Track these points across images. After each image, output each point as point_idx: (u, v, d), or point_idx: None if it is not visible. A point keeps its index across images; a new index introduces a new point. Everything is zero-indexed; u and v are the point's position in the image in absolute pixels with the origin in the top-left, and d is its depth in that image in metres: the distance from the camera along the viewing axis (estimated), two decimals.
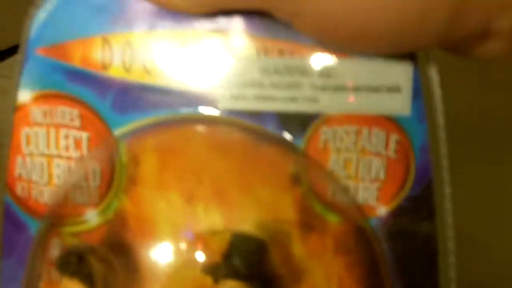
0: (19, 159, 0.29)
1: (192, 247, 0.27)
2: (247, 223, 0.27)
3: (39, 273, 0.28)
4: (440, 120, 0.27)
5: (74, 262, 0.26)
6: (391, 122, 0.27)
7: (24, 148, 0.29)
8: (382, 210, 0.27)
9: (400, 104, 0.27)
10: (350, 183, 0.27)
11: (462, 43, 0.24)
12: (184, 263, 0.27)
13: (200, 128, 0.28)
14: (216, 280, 0.26)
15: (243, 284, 0.26)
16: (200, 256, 0.27)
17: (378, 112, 0.27)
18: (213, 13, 0.26)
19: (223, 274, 0.26)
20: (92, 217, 0.28)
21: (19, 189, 0.29)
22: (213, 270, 0.26)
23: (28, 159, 0.29)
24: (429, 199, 0.27)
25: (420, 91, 0.26)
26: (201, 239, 0.27)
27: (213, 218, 0.28)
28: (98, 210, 0.28)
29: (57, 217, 0.28)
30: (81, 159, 0.29)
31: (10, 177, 0.29)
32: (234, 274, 0.26)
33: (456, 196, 0.27)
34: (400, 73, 0.26)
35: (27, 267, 0.28)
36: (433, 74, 0.26)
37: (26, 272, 0.29)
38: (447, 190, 0.27)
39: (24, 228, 0.30)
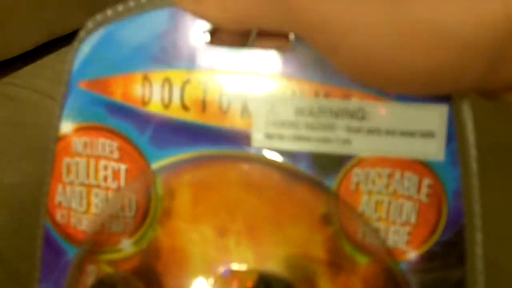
0: (59, 187, 0.30)
1: (223, 283, 0.28)
2: (276, 260, 0.28)
3: None
4: (473, 165, 0.27)
5: None
6: (424, 166, 0.27)
7: (65, 177, 0.30)
8: (412, 255, 0.27)
9: (434, 149, 0.27)
10: (381, 226, 0.27)
11: (497, 90, 0.24)
12: None
13: (235, 165, 0.28)
14: None
15: None
16: None
17: (411, 156, 0.27)
18: (244, 33, 0.27)
19: None
20: (127, 246, 0.29)
21: (59, 216, 0.30)
22: None
23: (68, 188, 0.30)
24: (460, 244, 0.27)
25: (454, 136, 0.26)
26: (235, 276, 0.28)
27: (244, 254, 0.28)
28: (133, 239, 0.29)
29: (94, 244, 0.29)
30: (118, 190, 0.29)
31: (51, 204, 0.30)
32: None
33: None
34: (435, 118, 0.26)
35: None
36: (467, 119, 0.26)
37: None
38: (479, 236, 0.27)
39: (63, 253, 0.30)
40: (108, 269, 0.29)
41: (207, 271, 0.28)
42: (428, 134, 0.27)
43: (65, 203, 0.30)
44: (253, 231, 0.28)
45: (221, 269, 0.28)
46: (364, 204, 0.27)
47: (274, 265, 0.28)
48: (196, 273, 0.28)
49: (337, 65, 0.25)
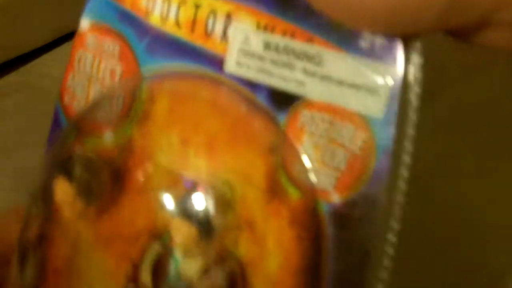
0: (71, 74, 0.35)
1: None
2: (223, 176, 0.31)
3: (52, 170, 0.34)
4: (410, 130, 0.28)
5: (69, 164, 0.31)
6: (363, 120, 0.28)
7: (76, 66, 0.35)
8: (336, 198, 0.29)
9: (374, 106, 0.28)
10: (315, 166, 0.29)
11: (462, 30, 0.25)
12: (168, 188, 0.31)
13: (208, 85, 0.32)
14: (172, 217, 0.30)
15: (191, 226, 0.29)
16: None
17: (353, 108, 0.28)
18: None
19: (179, 213, 0.30)
20: (108, 137, 0.33)
21: (66, 98, 0.35)
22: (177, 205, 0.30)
23: (76, 76, 0.35)
24: (379, 202, 0.28)
25: (397, 97, 0.28)
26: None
27: (199, 164, 0.31)
28: (114, 133, 0.33)
29: (80, 127, 0.34)
30: (112, 86, 0.34)
31: (62, 87, 0.35)
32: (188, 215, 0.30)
33: None
34: (382, 77, 0.28)
35: (46, 161, 0.34)
36: (414, 81, 0.27)
37: (44, 166, 0.34)
38: (400, 198, 0.28)
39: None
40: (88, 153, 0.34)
41: (172, 178, 0.32)
42: (372, 91, 0.28)
43: (72, 88, 0.35)
44: (210, 146, 0.31)
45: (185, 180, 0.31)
46: (305, 143, 0.29)
47: (220, 180, 0.31)
48: (161, 176, 0.32)
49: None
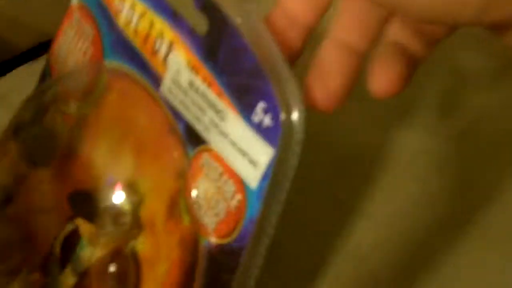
0: (59, 39, 0.39)
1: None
2: (141, 181, 0.34)
3: None
4: (272, 218, 0.30)
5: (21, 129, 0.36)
6: (242, 184, 0.30)
7: (63, 35, 0.38)
8: (212, 239, 0.32)
9: (252, 177, 0.30)
10: (204, 205, 0.32)
11: (499, 26, 0.26)
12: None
13: (147, 98, 0.34)
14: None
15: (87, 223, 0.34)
16: None
17: (237, 171, 0.30)
18: None
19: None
20: (72, 107, 0.37)
21: (52, 58, 0.39)
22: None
23: (62, 43, 0.38)
24: (241, 259, 0.31)
25: (269, 177, 0.29)
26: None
27: (125, 165, 0.35)
28: (78, 104, 0.37)
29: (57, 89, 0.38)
30: (83, 63, 0.37)
31: (52, 48, 0.39)
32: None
33: None
34: (263, 154, 0.29)
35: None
36: (283, 175, 0.29)
37: None
38: (259, 261, 0.30)
39: None
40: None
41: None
42: (253, 162, 0.30)
43: (57, 52, 0.39)
44: (138, 153, 0.35)
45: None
46: (199, 182, 0.32)
47: (136, 184, 0.34)
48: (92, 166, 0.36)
49: None
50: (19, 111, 0.39)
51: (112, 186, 0.35)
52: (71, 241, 0.35)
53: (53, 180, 0.36)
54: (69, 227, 0.35)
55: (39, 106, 0.38)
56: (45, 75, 0.40)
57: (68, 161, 0.37)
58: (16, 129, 0.37)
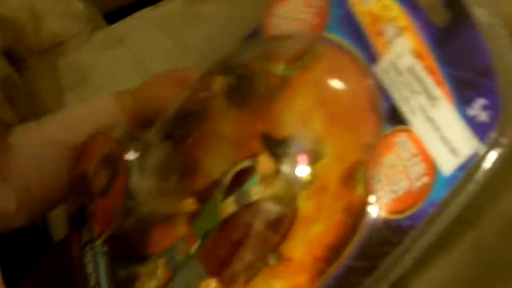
0: (279, 6, 0.42)
1: None
2: (325, 144, 0.36)
3: None
4: (454, 208, 0.31)
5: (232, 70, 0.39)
6: (433, 169, 0.32)
7: (287, 2, 0.42)
8: (381, 213, 0.33)
9: (448, 165, 0.31)
10: (384, 179, 0.34)
11: None
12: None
13: (356, 71, 0.37)
14: None
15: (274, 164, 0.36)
16: None
17: (433, 155, 0.32)
18: None
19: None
20: (279, 68, 0.40)
21: (268, 22, 0.42)
22: None
23: (281, 10, 0.42)
24: (405, 239, 0.32)
25: (466, 168, 0.31)
26: None
27: (313, 127, 0.37)
28: (285, 66, 0.40)
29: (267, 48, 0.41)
30: (301, 30, 0.40)
31: (267, 12, 0.42)
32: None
33: None
34: (467, 148, 0.31)
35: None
36: (488, 167, 0.30)
37: None
38: (422, 243, 0.32)
39: None
40: None
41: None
42: (453, 151, 0.31)
43: (275, 17, 0.42)
44: (329, 119, 0.37)
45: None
46: (387, 158, 0.34)
47: (320, 146, 0.37)
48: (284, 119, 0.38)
49: None
50: (231, 54, 0.42)
51: (296, 145, 0.37)
52: (244, 176, 0.38)
53: (244, 120, 0.39)
54: (247, 163, 0.38)
55: (250, 56, 0.41)
56: (255, 31, 0.43)
57: (260, 111, 0.39)
58: (226, 67, 0.40)
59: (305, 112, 0.38)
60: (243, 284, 0.36)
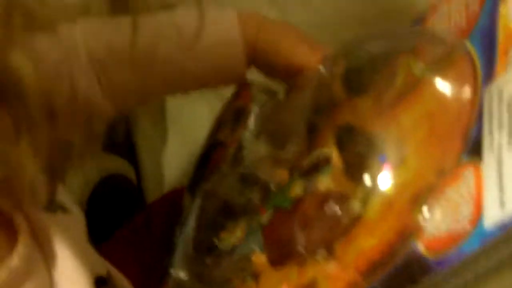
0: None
1: None
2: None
3: None
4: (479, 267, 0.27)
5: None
6: (478, 217, 0.27)
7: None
8: (420, 245, 0.30)
9: (491, 214, 0.27)
10: (436, 211, 0.30)
11: None
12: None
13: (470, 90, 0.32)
14: None
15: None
16: None
17: (484, 201, 0.27)
18: None
19: None
20: (419, 68, 0.36)
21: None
22: None
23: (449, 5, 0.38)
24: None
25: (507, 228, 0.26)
26: None
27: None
28: (424, 66, 0.36)
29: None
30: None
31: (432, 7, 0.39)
32: None
33: None
34: None
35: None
36: None
37: None
38: None
39: None
40: None
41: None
42: (503, 203, 0.26)
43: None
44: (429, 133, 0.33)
45: None
46: (451, 189, 0.30)
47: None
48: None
49: None
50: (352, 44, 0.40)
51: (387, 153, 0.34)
52: (319, 163, 0.36)
53: (351, 107, 0.37)
54: (326, 150, 0.36)
55: (392, 47, 0.39)
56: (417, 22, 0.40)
57: (380, 105, 0.36)
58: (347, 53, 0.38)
59: (416, 121, 0.34)
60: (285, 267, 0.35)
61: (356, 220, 0.34)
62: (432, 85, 0.35)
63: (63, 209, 0.35)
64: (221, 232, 0.41)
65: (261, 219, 0.38)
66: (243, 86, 0.45)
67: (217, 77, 0.43)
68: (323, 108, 0.38)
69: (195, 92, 0.46)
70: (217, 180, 0.42)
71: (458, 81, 0.34)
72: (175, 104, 0.63)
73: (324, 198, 0.35)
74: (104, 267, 0.37)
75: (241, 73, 0.43)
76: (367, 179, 0.34)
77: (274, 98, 0.42)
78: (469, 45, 0.34)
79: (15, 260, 0.30)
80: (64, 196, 0.36)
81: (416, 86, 0.35)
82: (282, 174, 0.39)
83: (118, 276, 0.38)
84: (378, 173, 0.33)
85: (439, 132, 0.33)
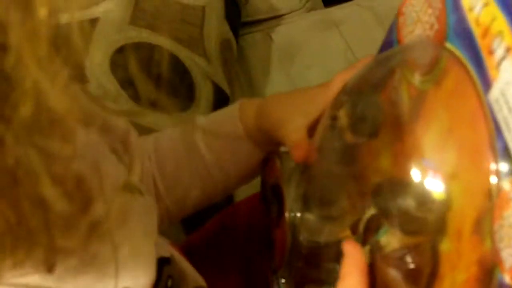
0: (407, 3, 0.36)
1: None
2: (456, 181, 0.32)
3: None
4: None
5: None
6: None
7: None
8: (506, 278, 0.29)
9: None
10: (506, 238, 0.29)
11: None
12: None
13: (474, 97, 0.31)
14: None
15: None
16: None
17: None
18: None
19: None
20: (417, 78, 0.35)
21: (400, 20, 0.37)
22: None
23: (409, 8, 0.36)
24: None
25: None
26: None
27: (447, 156, 0.32)
28: (421, 78, 0.35)
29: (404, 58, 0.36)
30: (426, 37, 0.35)
31: (399, 10, 0.37)
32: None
33: None
34: None
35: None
36: None
37: None
38: None
39: None
40: None
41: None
42: None
43: (405, 15, 0.37)
44: (463, 149, 0.32)
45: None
46: (507, 213, 0.28)
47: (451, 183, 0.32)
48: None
49: None
50: (361, 73, 0.38)
51: (432, 174, 0.32)
52: (376, 222, 0.35)
53: (375, 150, 0.36)
54: (373, 211, 0.35)
55: (387, 69, 0.37)
56: (392, 31, 0.38)
57: (394, 136, 0.35)
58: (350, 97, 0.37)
59: (439, 139, 0.33)
60: None
61: (433, 264, 0.33)
62: (438, 95, 0.33)
63: (140, 191, 0.38)
64: None
65: None
66: (267, 160, 0.46)
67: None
68: (349, 161, 0.38)
69: None
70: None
71: (458, 90, 0.32)
72: None
73: (392, 257, 0.34)
74: (168, 251, 0.41)
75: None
76: (424, 218, 0.33)
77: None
78: (452, 48, 0.32)
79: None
80: (141, 184, 0.40)
81: (423, 99, 0.34)
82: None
83: (181, 259, 0.43)
84: (432, 207, 0.32)
85: (467, 145, 0.31)
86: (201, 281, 0.43)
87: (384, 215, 0.34)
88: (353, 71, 0.40)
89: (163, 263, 0.39)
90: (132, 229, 0.35)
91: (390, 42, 0.38)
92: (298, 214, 0.41)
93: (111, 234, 0.33)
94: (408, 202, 0.33)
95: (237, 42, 0.69)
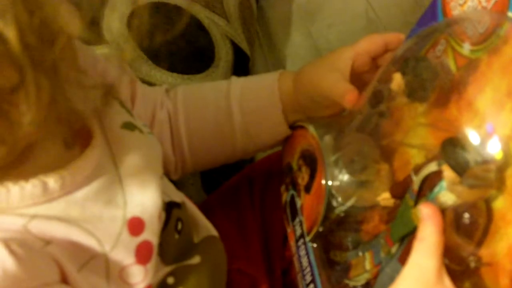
0: None
1: None
2: None
3: None
4: None
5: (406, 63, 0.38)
6: None
7: None
8: None
9: None
10: None
11: None
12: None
13: None
14: None
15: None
16: None
17: None
18: None
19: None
20: (466, 48, 0.36)
21: None
22: None
23: None
24: None
25: None
26: None
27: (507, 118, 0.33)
28: (472, 47, 0.35)
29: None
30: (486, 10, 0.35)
31: None
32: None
33: None
34: None
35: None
36: None
37: None
38: None
39: None
40: None
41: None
42: None
43: None
44: None
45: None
46: None
47: None
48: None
49: None
50: (409, 44, 0.39)
51: (489, 136, 0.33)
52: (432, 181, 0.35)
53: (426, 117, 0.36)
54: (433, 167, 0.35)
55: (431, 40, 0.38)
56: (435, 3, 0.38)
57: (446, 100, 0.36)
58: (405, 60, 0.37)
59: (496, 103, 0.34)
60: None
61: (487, 221, 0.34)
62: (493, 62, 0.34)
63: (140, 130, 0.39)
64: (350, 272, 0.41)
65: (391, 249, 0.38)
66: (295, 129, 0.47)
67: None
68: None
69: None
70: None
71: None
72: None
73: (449, 213, 0.34)
74: (180, 197, 0.42)
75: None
76: (481, 178, 0.33)
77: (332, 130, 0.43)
78: None
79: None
80: (143, 125, 0.40)
81: (475, 67, 0.35)
82: (385, 199, 0.39)
83: (193, 208, 0.44)
84: (490, 167, 0.32)
85: None
86: (213, 231, 0.44)
87: (447, 171, 0.34)
88: (377, 36, 0.43)
89: (172, 206, 0.40)
90: (134, 160, 0.36)
91: (433, 13, 0.38)
92: (335, 180, 0.41)
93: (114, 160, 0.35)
94: (472, 159, 0.33)
95: (257, 1, 0.68)
